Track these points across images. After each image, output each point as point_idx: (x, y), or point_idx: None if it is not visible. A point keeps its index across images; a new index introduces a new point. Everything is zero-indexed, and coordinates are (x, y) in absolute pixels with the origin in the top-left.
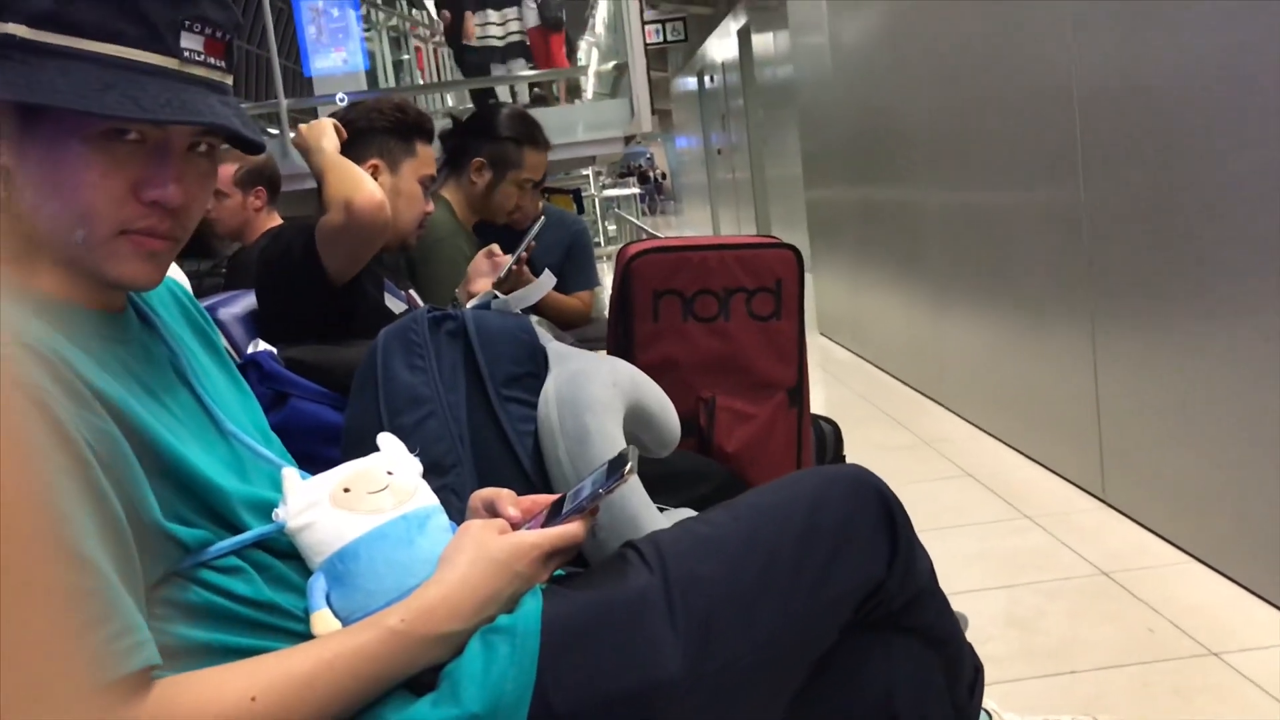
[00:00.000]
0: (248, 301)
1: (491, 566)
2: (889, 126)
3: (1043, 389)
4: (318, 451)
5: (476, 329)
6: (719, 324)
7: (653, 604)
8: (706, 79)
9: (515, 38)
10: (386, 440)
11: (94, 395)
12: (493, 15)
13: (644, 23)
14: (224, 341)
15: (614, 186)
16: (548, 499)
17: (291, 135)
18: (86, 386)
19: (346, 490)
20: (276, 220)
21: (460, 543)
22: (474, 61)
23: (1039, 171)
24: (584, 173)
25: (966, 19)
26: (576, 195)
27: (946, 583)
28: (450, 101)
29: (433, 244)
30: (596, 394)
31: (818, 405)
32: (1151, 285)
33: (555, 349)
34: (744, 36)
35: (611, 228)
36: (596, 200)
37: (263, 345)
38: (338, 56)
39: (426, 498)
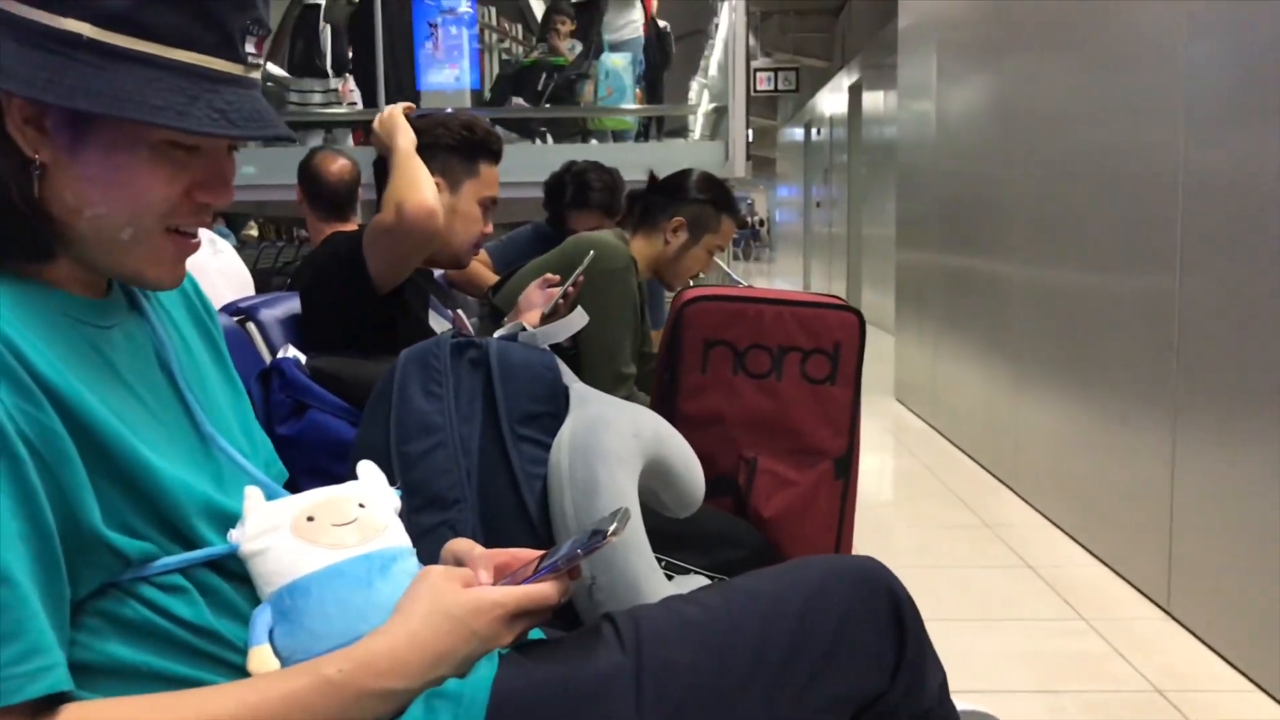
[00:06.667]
0: (290, 305)
1: (446, 623)
2: (986, 197)
3: (1116, 485)
4: (328, 467)
5: (499, 361)
6: (770, 382)
7: (618, 688)
8: (814, 131)
9: None
10: (366, 469)
11: (41, 386)
12: None
13: (752, 70)
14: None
15: None
16: (531, 555)
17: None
18: (33, 376)
19: (310, 519)
20: (347, 227)
21: (416, 592)
22: None
23: (1135, 258)
24: None
25: (1076, 98)
26: None
27: (985, 680)
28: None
29: (606, 272)
30: (613, 444)
31: (884, 473)
32: (1243, 389)
33: (578, 390)
34: (855, 92)
35: None
36: None
37: (293, 352)
38: (450, 73)
39: (397, 537)
